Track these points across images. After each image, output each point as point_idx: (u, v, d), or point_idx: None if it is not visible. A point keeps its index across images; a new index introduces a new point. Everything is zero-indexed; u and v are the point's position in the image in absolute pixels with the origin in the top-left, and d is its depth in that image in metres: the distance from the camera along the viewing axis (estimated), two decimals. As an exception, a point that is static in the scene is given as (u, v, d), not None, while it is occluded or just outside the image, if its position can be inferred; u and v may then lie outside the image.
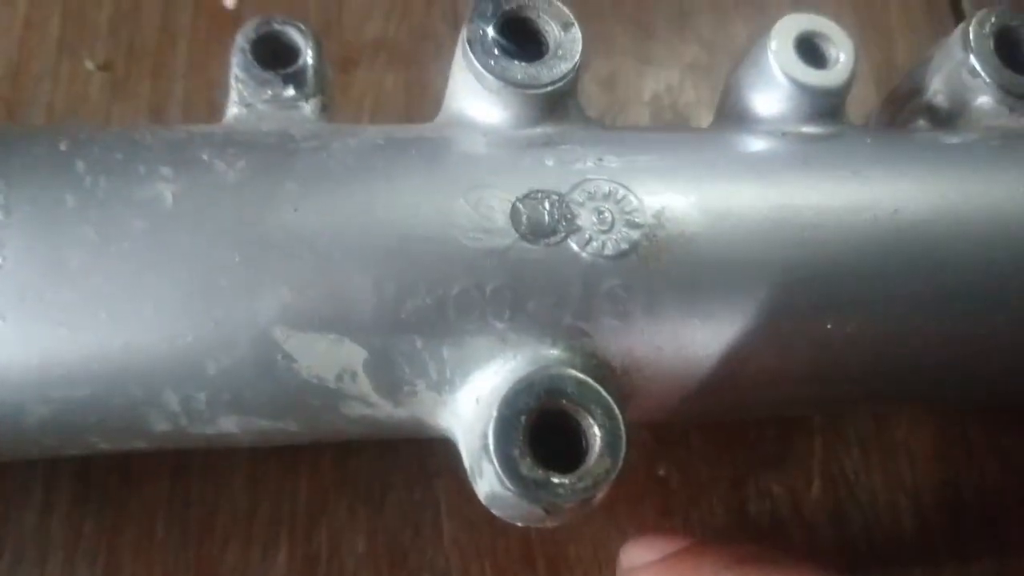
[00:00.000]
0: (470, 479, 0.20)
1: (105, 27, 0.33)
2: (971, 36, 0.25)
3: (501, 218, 0.19)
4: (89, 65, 0.32)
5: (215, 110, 0.32)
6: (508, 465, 0.17)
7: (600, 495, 0.18)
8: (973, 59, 0.25)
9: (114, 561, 0.26)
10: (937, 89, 0.26)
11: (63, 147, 0.19)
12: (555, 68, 0.21)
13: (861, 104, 0.32)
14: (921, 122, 0.26)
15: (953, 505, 0.29)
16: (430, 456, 0.27)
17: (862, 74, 0.36)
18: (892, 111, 0.28)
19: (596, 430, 0.18)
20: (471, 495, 0.25)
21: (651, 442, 0.28)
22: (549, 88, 0.21)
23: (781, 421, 0.29)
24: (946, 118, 0.26)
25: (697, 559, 0.23)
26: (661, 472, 0.28)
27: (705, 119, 0.35)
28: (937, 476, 0.29)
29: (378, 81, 0.33)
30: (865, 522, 0.28)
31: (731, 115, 0.24)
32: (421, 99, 0.33)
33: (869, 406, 0.28)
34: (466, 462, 0.20)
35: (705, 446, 0.28)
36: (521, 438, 0.18)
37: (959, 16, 0.38)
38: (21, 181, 0.18)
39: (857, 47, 0.23)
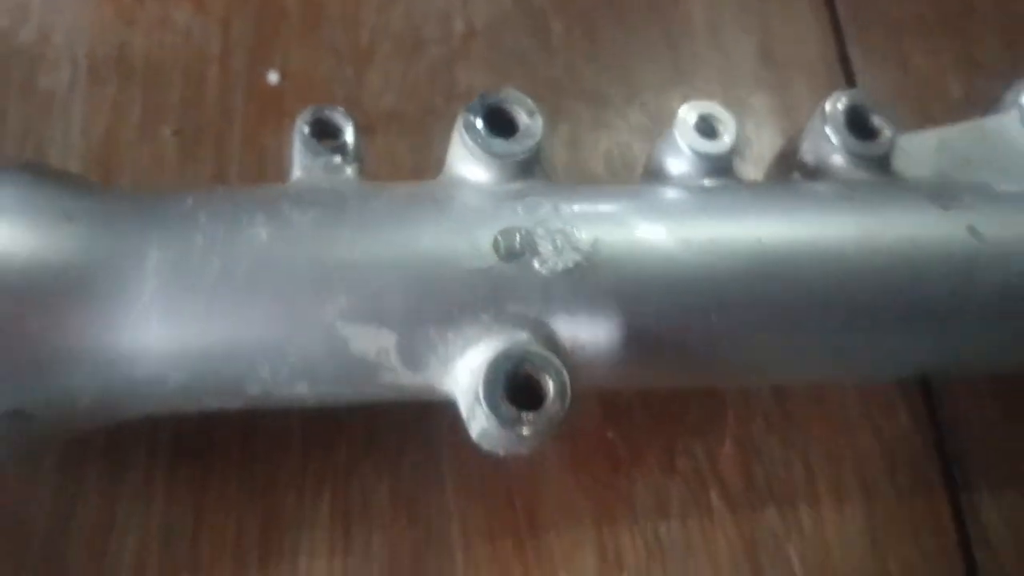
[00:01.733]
0: (466, 425, 0.28)
1: (177, 104, 0.42)
2: (827, 112, 0.34)
3: (487, 247, 0.29)
4: (167, 131, 0.41)
5: (263, 168, 0.41)
6: (494, 407, 0.26)
7: (554, 428, 0.27)
8: (828, 129, 0.34)
9: (201, 511, 0.34)
10: (806, 150, 0.36)
11: (190, 203, 0.28)
12: (523, 143, 0.30)
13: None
14: (796, 174, 0.36)
15: (834, 459, 0.38)
16: (436, 431, 0.36)
17: (773, 136, 0.46)
18: (779, 165, 0.38)
19: (551, 384, 0.27)
20: (466, 457, 0.35)
21: (600, 414, 0.37)
22: (520, 157, 0.30)
23: (703, 397, 0.38)
24: (813, 172, 0.35)
25: None
26: (609, 435, 0.37)
27: (647, 170, 0.45)
28: (822, 440, 0.38)
29: (392, 144, 0.42)
30: (765, 474, 0.37)
31: (652, 173, 0.34)
32: (426, 157, 0.42)
33: (758, 382, 0.37)
34: (463, 414, 0.28)
35: (643, 416, 0.37)
36: (501, 389, 0.27)
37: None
38: (166, 229, 0.28)
39: (738, 124, 0.33)
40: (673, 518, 0.36)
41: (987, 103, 0.41)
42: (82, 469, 0.34)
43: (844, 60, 0.48)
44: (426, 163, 0.42)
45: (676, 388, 0.38)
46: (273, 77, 0.43)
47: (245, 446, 0.35)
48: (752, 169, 0.43)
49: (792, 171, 0.36)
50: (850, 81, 0.48)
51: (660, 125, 0.45)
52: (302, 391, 0.29)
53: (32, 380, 0.26)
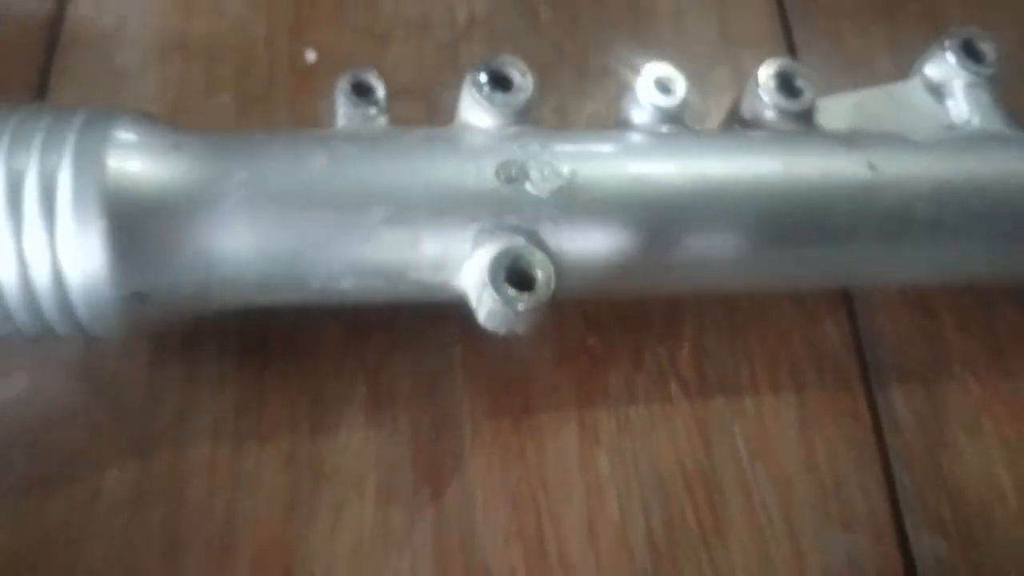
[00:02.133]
0: (475, 312, 0.37)
1: (231, 78, 0.51)
2: (760, 76, 0.43)
3: (490, 174, 0.37)
4: (225, 99, 0.50)
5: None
6: (497, 288, 0.35)
7: (542, 309, 0.35)
8: (760, 90, 0.43)
9: (263, 394, 0.43)
10: (746, 108, 0.44)
11: (262, 137, 0.37)
12: (518, 96, 0.39)
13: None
14: (736, 126, 0.45)
15: (773, 360, 0.47)
16: (449, 333, 0.45)
17: (727, 99, 0.54)
18: (726, 124, 0.46)
19: (540, 274, 0.35)
20: (474, 354, 0.43)
21: (582, 325, 0.46)
22: (515, 106, 0.39)
23: (666, 312, 0.47)
24: (749, 125, 0.44)
25: None
26: (589, 341, 0.46)
27: (622, 132, 0.53)
28: (763, 345, 0.47)
29: (408, 113, 0.50)
30: (716, 372, 0.46)
31: (620, 123, 0.42)
32: (436, 119, 0.50)
33: (704, 289, 0.46)
34: (473, 303, 0.37)
35: (617, 326, 0.46)
36: (503, 276, 0.35)
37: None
38: (246, 155, 0.36)
39: (689, 83, 0.41)
40: (640, 403, 0.45)
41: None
42: (166, 362, 0.43)
43: (789, 40, 0.57)
44: (438, 122, 0.51)
45: (643, 302, 0.47)
46: (311, 55, 0.52)
47: (295, 345, 0.44)
48: (708, 130, 0.52)
49: (734, 124, 0.45)
50: (793, 57, 0.57)
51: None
52: (347, 285, 0.37)
53: (151, 270, 0.35)
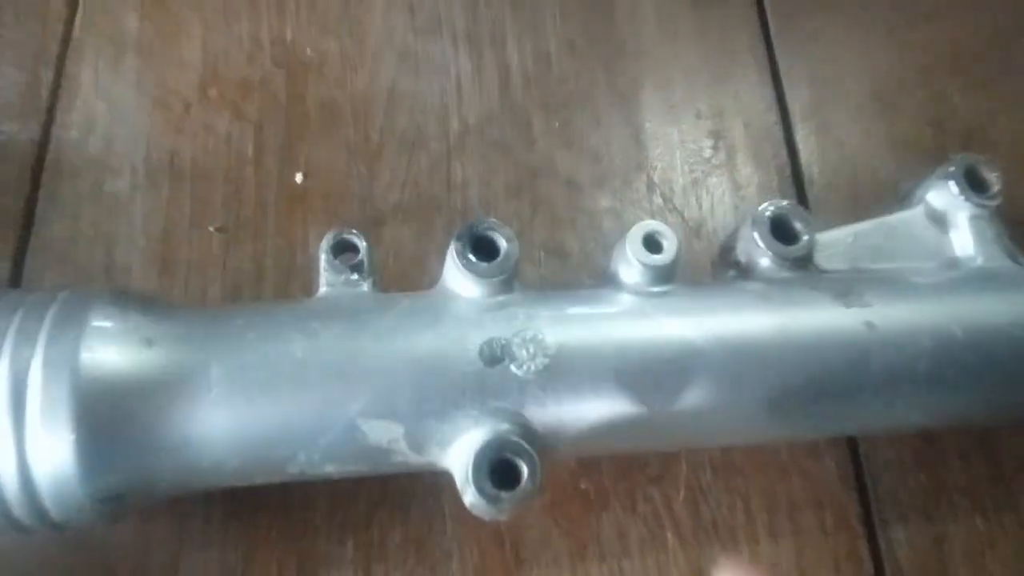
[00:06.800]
0: (461, 495, 0.36)
1: (219, 203, 0.50)
2: (754, 221, 0.42)
3: (474, 354, 0.36)
4: (211, 228, 0.49)
5: (292, 254, 0.49)
6: (479, 489, 0.34)
7: (528, 502, 0.35)
8: (756, 236, 0.42)
9: (250, 552, 0.42)
10: (740, 251, 0.43)
11: (240, 323, 0.36)
12: (504, 266, 0.38)
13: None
14: (731, 272, 0.43)
15: (770, 500, 0.46)
16: (439, 484, 0.44)
17: (725, 211, 0.53)
18: (722, 257, 0.45)
19: (525, 469, 0.35)
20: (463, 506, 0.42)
21: (576, 467, 0.45)
22: (500, 277, 0.38)
23: (661, 453, 0.46)
24: (745, 270, 0.43)
25: None
26: (582, 485, 0.45)
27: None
28: (758, 485, 0.46)
29: (398, 234, 0.50)
30: (712, 516, 0.45)
31: (609, 280, 0.41)
32: (426, 244, 0.50)
33: (697, 446, 0.45)
34: (459, 486, 0.36)
35: (611, 468, 0.45)
36: (485, 474, 0.34)
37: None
38: (223, 348, 0.35)
39: (679, 240, 0.40)
40: (634, 555, 0.44)
41: (908, 182, 0.49)
42: (152, 522, 0.42)
43: (790, 144, 0.56)
44: (427, 249, 0.50)
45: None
46: (299, 177, 0.51)
47: (283, 500, 0.43)
48: (706, 244, 0.51)
49: (727, 268, 0.44)
50: (794, 163, 0.55)
51: (625, 204, 0.53)
52: (330, 470, 0.37)
53: (125, 470, 0.34)
